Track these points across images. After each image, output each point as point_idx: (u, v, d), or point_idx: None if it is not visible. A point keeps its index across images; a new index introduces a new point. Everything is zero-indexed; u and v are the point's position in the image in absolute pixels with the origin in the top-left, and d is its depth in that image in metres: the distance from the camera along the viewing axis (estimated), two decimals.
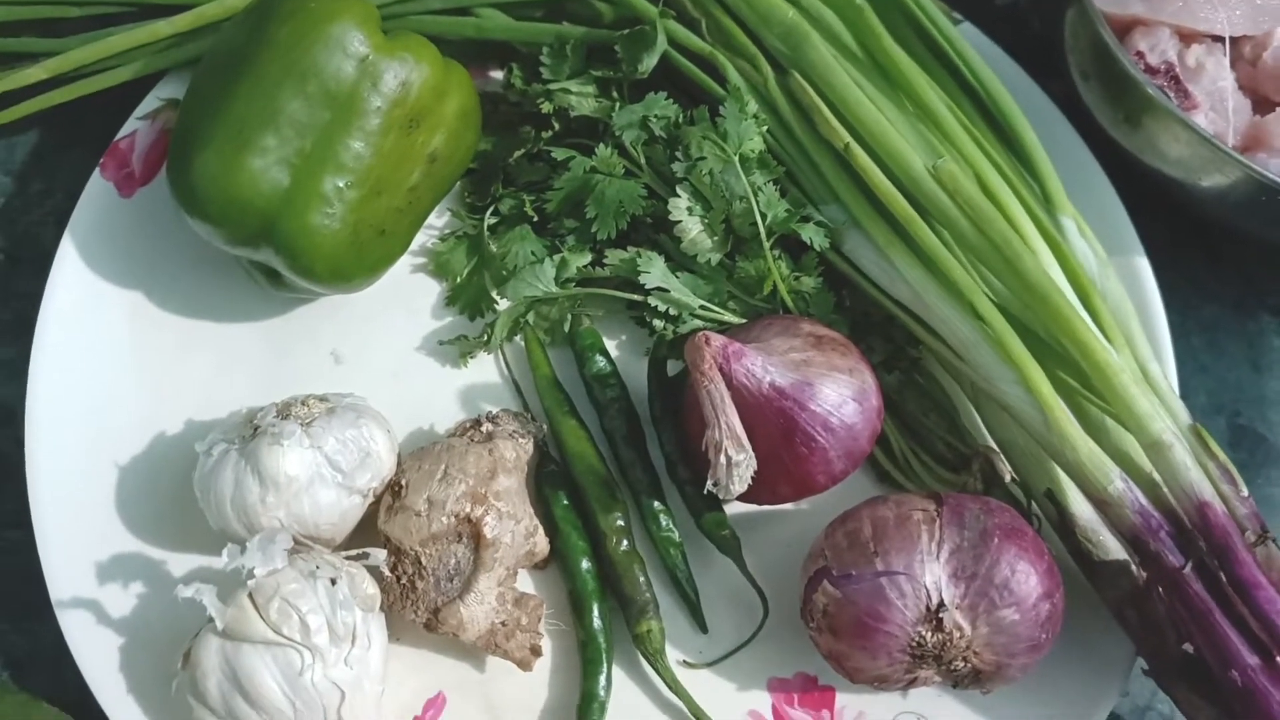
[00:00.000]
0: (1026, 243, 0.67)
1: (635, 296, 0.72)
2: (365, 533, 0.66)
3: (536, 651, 0.64)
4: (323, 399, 0.67)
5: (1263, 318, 0.82)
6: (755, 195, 0.70)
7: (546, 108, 0.75)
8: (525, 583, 0.69)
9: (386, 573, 0.63)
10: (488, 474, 0.65)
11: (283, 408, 0.65)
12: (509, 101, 0.79)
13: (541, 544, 0.67)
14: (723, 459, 0.62)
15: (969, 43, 0.78)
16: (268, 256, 0.67)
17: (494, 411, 0.70)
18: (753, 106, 0.72)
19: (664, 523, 0.69)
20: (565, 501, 0.69)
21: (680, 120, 0.73)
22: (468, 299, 0.76)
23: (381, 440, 0.66)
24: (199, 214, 0.65)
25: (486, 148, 0.78)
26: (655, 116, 0.73)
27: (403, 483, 0.65)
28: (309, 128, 0.65)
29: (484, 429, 0.68)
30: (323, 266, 0.67)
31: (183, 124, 0.67)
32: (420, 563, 0.64)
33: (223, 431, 0.66)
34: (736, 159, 0.70)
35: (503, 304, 0.75)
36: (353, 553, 0.63)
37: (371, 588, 0.62)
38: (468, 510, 0.64)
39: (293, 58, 0.64)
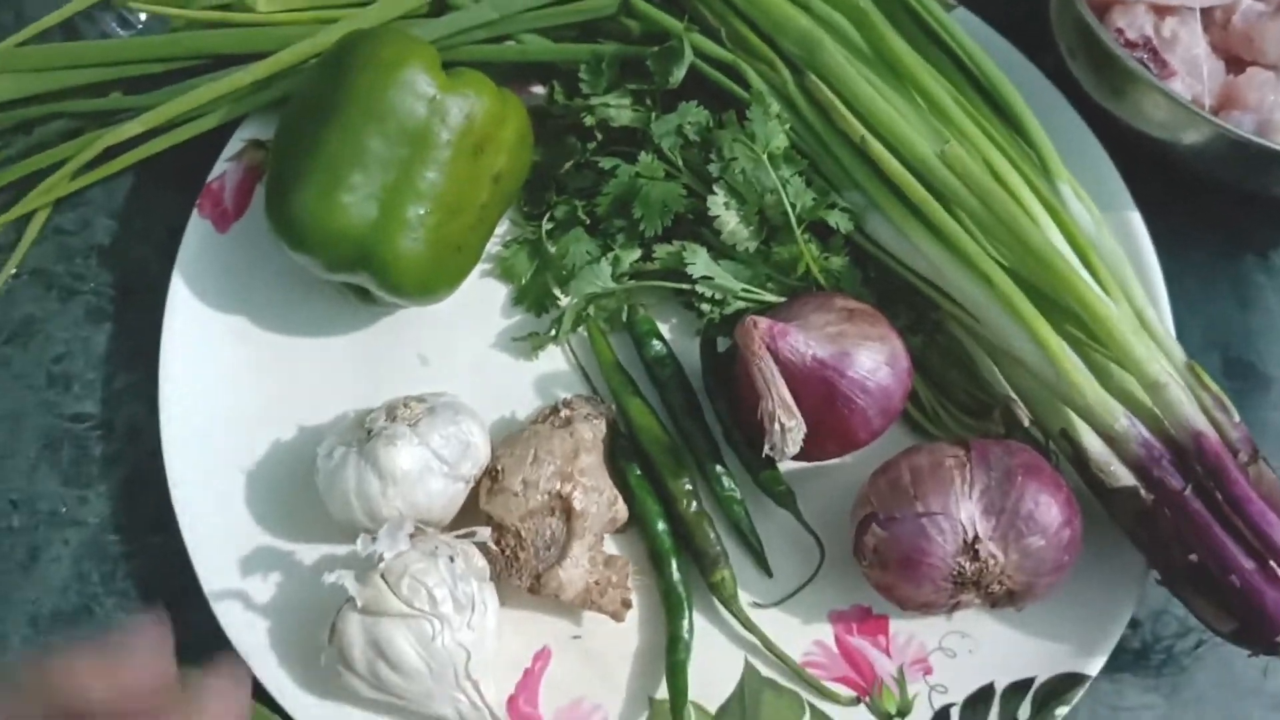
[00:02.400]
0: (1028, 213, 0.75)
1: (684, 285, 0.81)
2: (468, 513, 0.76)
3: (627, 604, 0.74)
4: (421, 400, 0.76)
5: (1247, 258, 0.91)
6: (784, 188, 0.78)
7: (589, 121, 0.83)
8: (610, 546, 0.78)
9: (493, 546, 0.73)
10: (571, 454, 0.74)
11: (389, 411, 0.75)
12: (553, 115, 0.88)
13: (622, 511, 0.76)
14: (777, 426, 0.70)
15: (965, 27, 0.86)
16: (362, 279, 0.76)
17: (568, 398, 0.79)
18: (775, 107, 0.80)
19: (726, 484, 0.79)
20: (638, 472, 0.78)
21: (711, 125, 0.81)
22: (533, 298, 0.85)
23: (478, 433, 0.75)
24: (302, 247, 0.74)
25: (537, 159, 0.86)
26: (689, 123, 0.81)
27: (499, 468, 0.74)
28: (391, 163, 0.73)
29: (562, 414, 0.77)
30: (411, 284, 0.76)
31: (276, 168, 0.75)
32: (521, 536, 0.73)
33: (338, 435, 0.75)
34: (765, 157, 0.78)
35: (564, 300, 0.84)
36: (462, 532, 0.73)
37: (481, 561, 0.72)
38: (558, 488, 0.73)
39: (371, 102, 0.73)
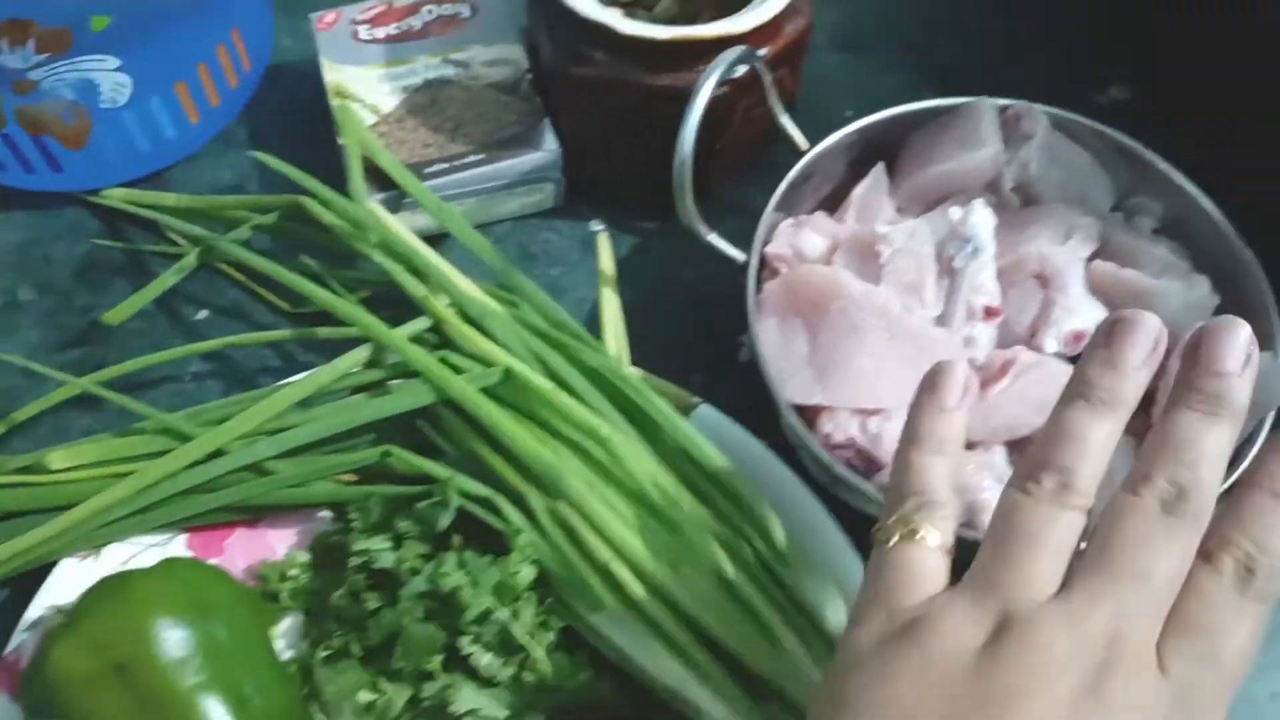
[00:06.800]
0: (762, 621, 0.82)
1: None
2: None
3: None
4: None
5: None
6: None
7: (354, 561, 0.89)
8: None
9: None
10: None
11: None
12: (336, 544, 0.93)
13: None
14: None
15: (710, 419, 0.95)
16: None
17: None
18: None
19: None
20: None
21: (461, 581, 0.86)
22: None
23: None
24: None
25: (319, 587, 0.91)
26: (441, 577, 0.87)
27: None
28: None
29: None
30: None
31: None
32: None
33: None
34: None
35: None
36: None
37: None
38: None
39: None
